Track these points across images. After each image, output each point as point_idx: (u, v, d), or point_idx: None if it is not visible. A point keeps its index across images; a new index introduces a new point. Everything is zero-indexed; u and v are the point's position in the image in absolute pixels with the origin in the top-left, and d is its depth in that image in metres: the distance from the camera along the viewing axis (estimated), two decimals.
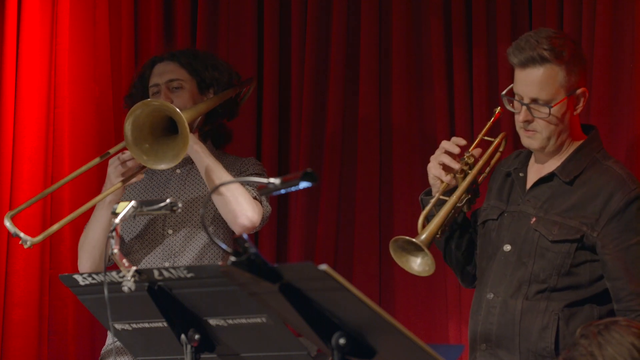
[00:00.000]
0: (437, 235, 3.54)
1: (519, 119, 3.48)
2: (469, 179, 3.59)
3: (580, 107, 3.50)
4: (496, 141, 3.68)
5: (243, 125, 4.77)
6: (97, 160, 4.01)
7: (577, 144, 3.54)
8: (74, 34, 4.83)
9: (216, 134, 4.20)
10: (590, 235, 3.44)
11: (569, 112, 3.48)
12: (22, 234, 3.80)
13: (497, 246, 3.59)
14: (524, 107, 3.46)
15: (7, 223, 3.80)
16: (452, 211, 3.57)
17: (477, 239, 3.69)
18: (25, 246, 3.83)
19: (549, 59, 3.42)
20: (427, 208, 3.58)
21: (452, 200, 3.57)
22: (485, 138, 3.66)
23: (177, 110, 3.82)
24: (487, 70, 4.46)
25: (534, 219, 3.52)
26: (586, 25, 4.12)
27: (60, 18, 4.81)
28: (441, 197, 3.58)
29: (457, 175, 3.59)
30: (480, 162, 3.63)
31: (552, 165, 3.55)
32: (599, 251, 3.44)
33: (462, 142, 3.60)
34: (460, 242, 3.72)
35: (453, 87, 4.53)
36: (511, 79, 3.53)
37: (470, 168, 3.60)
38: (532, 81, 3.44)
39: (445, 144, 3.61)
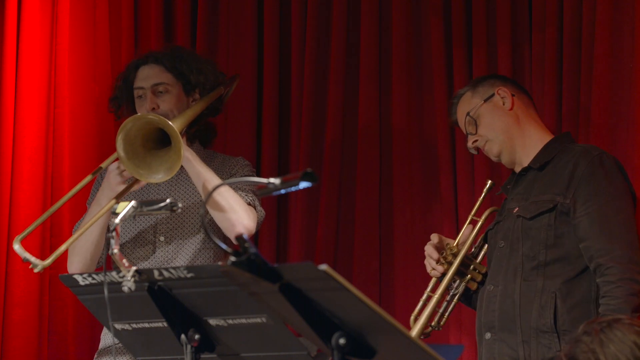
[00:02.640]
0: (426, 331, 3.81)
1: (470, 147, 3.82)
2: (450, 273, 3.79)
3: (508, 104, 3.75)
4: (480, 222, 3.86)
5: (243, 126, 4.77)
6: (89, 177, 3.94)
7: (545, 140, 3.74)
8: (74, 34, 4.83)
9: (203, 133, 4.15)
10: (564, 203, 3.59)
11: (496, 115, 3.74)
12: (32, 258, 3.72)
13: (494, 247, 3.78)
14: (468, 137, 3.81)
15: (17, 247, 3.72)
16: (439, 304, 3.81)
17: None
18: (36, 270, 3.73)
19: (460, 96, 3.84)
20: (417, 308, 3.83)
21: (435, 298, 3.80)
22: (473, 218, 3.87)
23: (170, 123, 3.74)
24: (487, 71, 4.45)
25: (516, 209, 3.69)
26: (586, 25, 4.12)
27: (60, 18, 4.81)
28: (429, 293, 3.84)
29: (443, 264, 3.81)
30: (463, 251, 3.81)
31: (526, 163, 3.75)
32: (572, 216, 3.58)
33: (435, 239, 3.82)
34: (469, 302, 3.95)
35: (453, 88, 4.53)
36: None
37: (455, 257, 3.80)
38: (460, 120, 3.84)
39: (426, 249, 3.84)
